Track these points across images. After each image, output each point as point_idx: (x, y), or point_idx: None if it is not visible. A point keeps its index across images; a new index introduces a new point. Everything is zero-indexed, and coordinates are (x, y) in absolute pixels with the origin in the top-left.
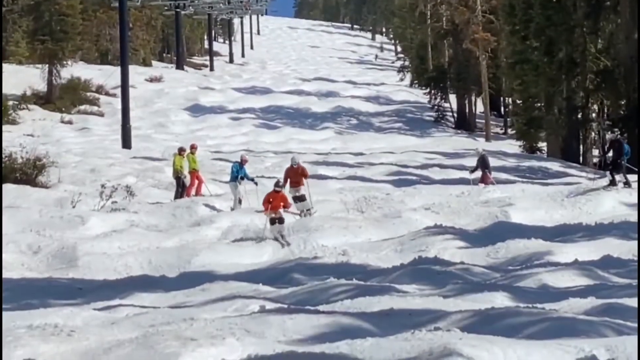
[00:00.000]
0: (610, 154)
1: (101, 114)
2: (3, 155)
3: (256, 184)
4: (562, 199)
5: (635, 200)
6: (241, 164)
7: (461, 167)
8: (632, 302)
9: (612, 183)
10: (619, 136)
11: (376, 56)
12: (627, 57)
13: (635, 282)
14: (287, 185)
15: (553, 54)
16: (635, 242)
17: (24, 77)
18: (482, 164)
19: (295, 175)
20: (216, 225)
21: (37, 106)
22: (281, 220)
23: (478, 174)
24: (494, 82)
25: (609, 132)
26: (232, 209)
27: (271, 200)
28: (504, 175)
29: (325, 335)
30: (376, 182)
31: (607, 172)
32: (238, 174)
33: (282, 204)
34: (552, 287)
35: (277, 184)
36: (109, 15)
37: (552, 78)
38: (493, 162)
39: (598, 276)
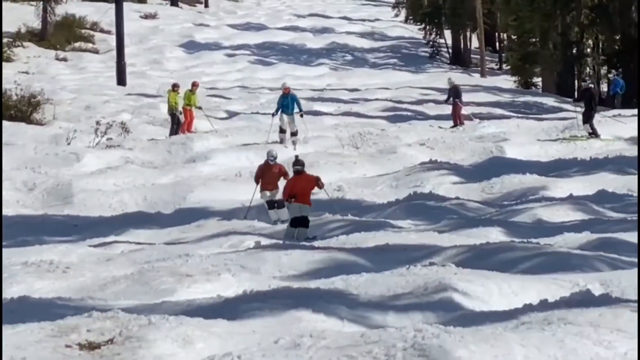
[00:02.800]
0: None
1: (96, 51)
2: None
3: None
4: (557, 134)
5: (632, 134)
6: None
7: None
8: (627, 236)
9: (591, 134)
10: (590, 85)
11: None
12: None
13: (630, 216)
14: (258, 187)
15: None
16: (630, 177)
17: (18, 14)
18: (455, 94)
19: (271, 175)
20: (211, 162)
21: (31, 43)
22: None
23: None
24: (489, 17)
25: (586, 82)
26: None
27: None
28: (499, 111)
29: (321, 270)
30: (371, 118)
31: (584, 125)
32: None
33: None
34: (546, 222)
35: (296, 162)
36: None
37: (547, 13)
38: (489, 97)
39: (593, 211)
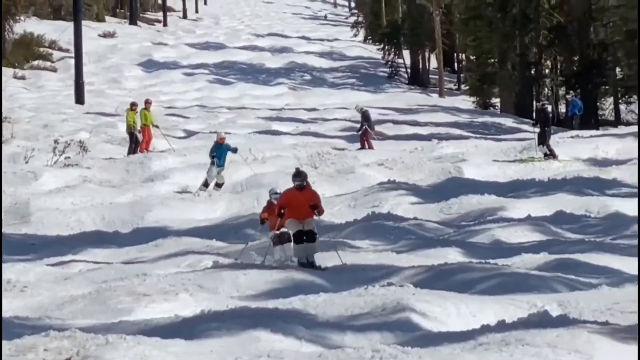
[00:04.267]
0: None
1: (54, 70)
2: None
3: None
4: (515, 155)
5: (589, 155)
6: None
7: (414, 123)
8: (585, 257)
9: (547, 155)
10: (545, 105)
11: (325, 16)
12: (581, 12)
13: (587, 237)
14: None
15: (507, 9)
16: (588, 197)
17: None
18: (364, 119)
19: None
20: (169, 181)
21: None
22: (311, 236)
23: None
24: (448, 38)
25: (541, 103)
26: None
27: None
28: (457, 131)
29: (279, 290)
30: (330, 138)
31: (539, 146)
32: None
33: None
34: (504, 242)
35: (297, 175)
36: None
37: (505, 34)
38: (447, 118)
39: (551, 232)
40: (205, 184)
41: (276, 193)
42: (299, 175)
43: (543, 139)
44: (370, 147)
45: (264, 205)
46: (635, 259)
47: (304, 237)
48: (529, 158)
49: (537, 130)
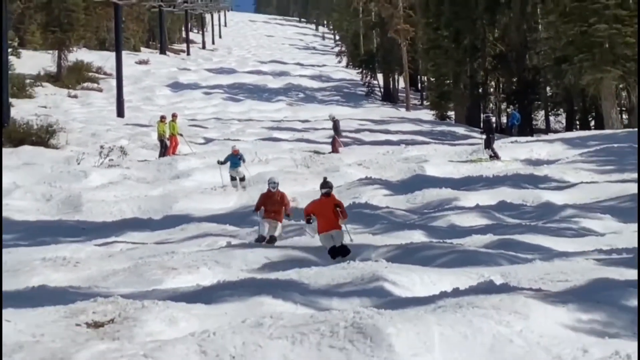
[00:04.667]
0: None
1: (100, 90)
2: (22, 123)
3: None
4: (466, 156)
5: (526, 156)
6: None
7: (386, 132)
8: (522, 237)
9: (492, 157)
10: (489, 117)
11: (321, 42)
12: (518, 43)
13: (524, 221)
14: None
15: (459, 41)
16: (524, 190)
17: (38, 61)
18: (334, 128)
19: (273, 202)
20: (192, 178)
21: (49, 84)
22: (345, 251)
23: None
24: (413, 63)
25: (486, 115)
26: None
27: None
28: (420, 138)
29: (279, 264)
30: (319, 144)
31: (485, 150)
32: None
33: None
34: (458, 226)
35: (324, 185)
36: (106, 11)
37: (458, 60)
38: (412, 127)
39: (495, 217)
40: (233, 179)
41: (274, 182)
42: (325, 185)
43: (488, 144)
44: (336, 152)
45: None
46: (562, 239)
47: (338, 252)
48: (477, 159)
49: (484, 137)
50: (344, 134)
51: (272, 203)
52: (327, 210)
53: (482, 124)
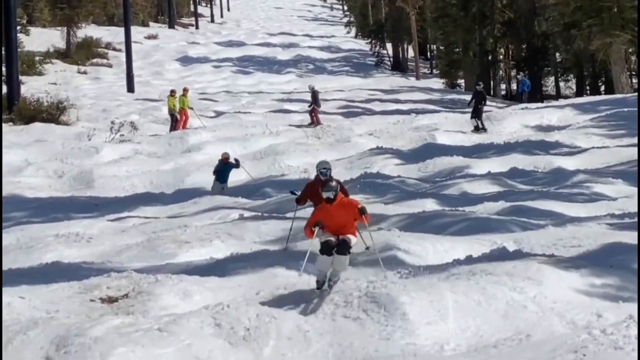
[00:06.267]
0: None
1: (109, 65)
2: (32, 100)
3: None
4: (473, 125)
5: (537, 123)
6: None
7: (397, 101)
8: (534, 204)
9: (477, 128)
10: (480, 87)
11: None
12: (527, 9)
13: (536, 188)
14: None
15: (468, 9)
16: (535, 157)
17: (47, 38)
18: (313, 98)
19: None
20: (203, 152)
21: (58, 60)
22: (344, 247)
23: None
24: (422, 32)
25: (479, 85)
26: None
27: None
28: (431, 106)
29: (291, 236)
30: (330, 114)
31: (472, 119)
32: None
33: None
34: (470, 193)
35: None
36: None
37: (467, 28)
38: (422, 96)
39: (506, 184)
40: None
41: (325, 168)
42: (327, 187)
43: (476, 114)
44: (318, 122)
45: (284, 172)
46: (574, 204)
47: (334, 249)
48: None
49: (472, 107)
50: (323, 107)
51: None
52: (337, 215)
53: (473, 95)
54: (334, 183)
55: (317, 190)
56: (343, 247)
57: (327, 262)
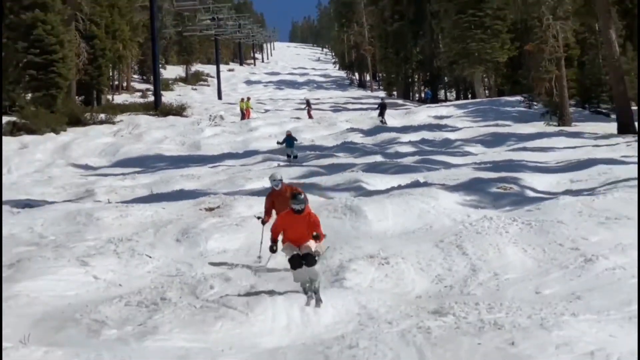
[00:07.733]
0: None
1: (208, 85)
2: (167, 104)
3: (296, 157)
4: (402, 115)
5: (434, 114)
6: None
7: (361, 103)
8: (434, 157)
9: (381, 122)
10: (384, 100)
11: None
12: (429, 53)
13: (436, 149)
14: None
15: (398, 55)
16: (435, 133)
17: (175, 71)
18: (307, 103)
19: (283, 200)
20: (258, 131)
21: (181, 82)
22: (310, 259)
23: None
24: (374, 66)
25: (382, 98)
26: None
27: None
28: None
29: (306, 175)
30: (326, 111)
31: (377, 117)
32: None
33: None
34: (400, 152)
35: (294, 198)
36: (210, 43)
37: (397, 64)
38: (374, 100)
39: (419, 147)
40: (288, 156)
41: (276, 180)
42: (296, 199)
43: (381, 114)
44: (311, 117)
45: (301, 142)
46: (455, 157)
47: (302, 261)
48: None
49: (378, 110)
50: (314, 109)
51: (281, 200)
52: (300, 226)
53: (379, 104)
54: (302, 196)
55: (277, 200)
56: (310, 260)
57: (302, 273)
